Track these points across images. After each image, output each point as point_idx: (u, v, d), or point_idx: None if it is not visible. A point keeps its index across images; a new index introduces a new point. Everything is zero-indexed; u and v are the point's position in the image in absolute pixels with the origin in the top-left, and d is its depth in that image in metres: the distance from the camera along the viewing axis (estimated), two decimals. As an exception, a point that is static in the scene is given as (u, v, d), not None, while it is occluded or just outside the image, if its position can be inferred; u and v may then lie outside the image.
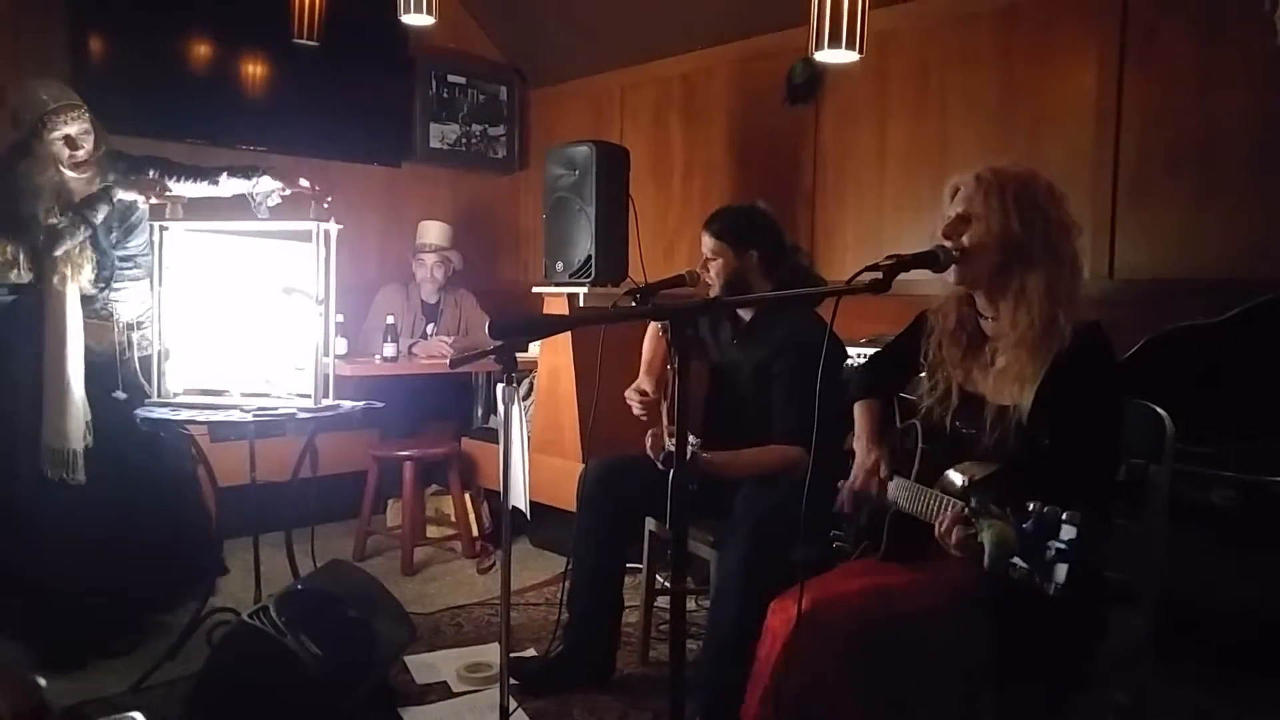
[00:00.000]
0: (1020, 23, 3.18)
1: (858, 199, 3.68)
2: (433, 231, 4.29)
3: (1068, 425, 1.59)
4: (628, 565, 2.64)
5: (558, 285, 3.49)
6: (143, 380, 2.75)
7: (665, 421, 2.48)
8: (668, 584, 2.88)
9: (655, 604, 2.81)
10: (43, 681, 1.43)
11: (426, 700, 2.50)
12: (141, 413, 2.57)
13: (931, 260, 1.66)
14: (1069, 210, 1.69)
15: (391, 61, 4.53)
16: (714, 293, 2.55)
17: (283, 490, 2.73)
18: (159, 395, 2.68)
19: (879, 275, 1.50)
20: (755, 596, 2.02)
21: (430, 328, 4.22)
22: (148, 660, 2.60)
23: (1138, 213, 2.93)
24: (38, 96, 2.58)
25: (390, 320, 3.94)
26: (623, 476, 2.54)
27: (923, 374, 1.88)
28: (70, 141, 2.59)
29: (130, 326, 2.78)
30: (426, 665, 2.70)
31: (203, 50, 3.95)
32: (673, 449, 1.71)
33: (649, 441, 2.40)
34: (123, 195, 2.68)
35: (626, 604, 2.65)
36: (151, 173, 2.81)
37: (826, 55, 2.63)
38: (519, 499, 2.01)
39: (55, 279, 2.62)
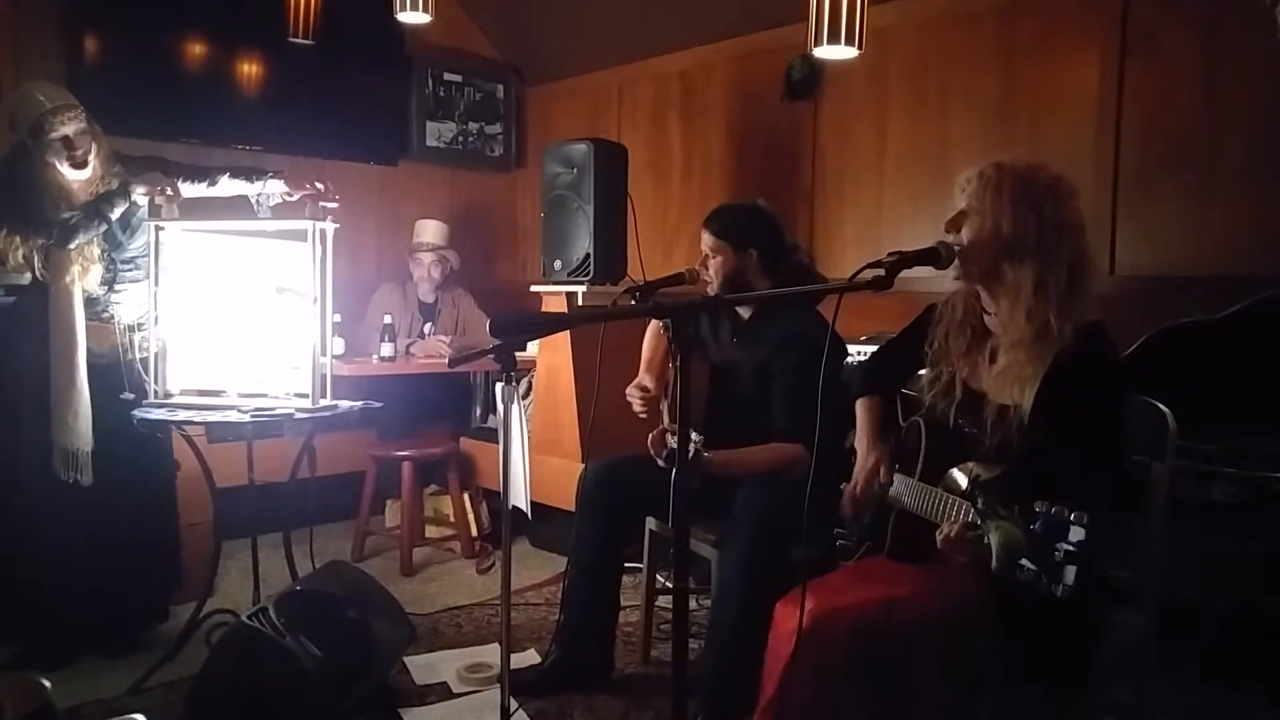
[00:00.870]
0: (1020, 19, 3.17)
1: (856, 196, 3.67)
2: (430, 230, 4.28)
3: (1069, 428, 1.58)
4: (628, 565, 2.63)
5: (556, 284, 3.48)
6: (144, 382, 2.74)
7: (666, 420, 2.47)
8: (669, 583, 2.88)
9: (656, 603, 2.80)
10: (47, 683, 1.44)
11: (426, 701, 2.49)
12: (139, 413, 2.56)
13: (934, 257, 1.65)
14: (1073, 208, 1.67)
15: (387, 59, 4.51)
16: (713, 290, 2.54)
17: (281, 491, 2.73)
18: (155, 395, 2.67)
19: (881, 272, 1.49)
20: (757, 595, 2.02)
21: (428, 327, 4.21)
22: (147, 662, 2.60)
23: (1138, 209, 2.93)
24: (34, 98, 2.57)
25: (388, 320, 3.93)
26: (622, 477, 2.53)
27: (923, 370, 1.87)
28: (68, 142, 2.59)
29: (131, 328, 2.77)
30: (426, 666, 2.69)
31: (198, 50, 3.93)
32: (674, 447, 1.71)
33: (651, 440, 2.39)
34: (139, 193, 2.66)
35: (627, 603, 2.65)
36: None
37: (825, 52, 2.62)
38: (519, 498, 2.00)
39: (66, 278, 2.61)
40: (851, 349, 2.80)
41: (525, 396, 3.78)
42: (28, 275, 2.66)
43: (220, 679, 2.18)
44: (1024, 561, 1.35)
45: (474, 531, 3.89)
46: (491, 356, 1.89)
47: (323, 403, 2.64)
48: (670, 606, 1.73)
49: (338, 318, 3.02)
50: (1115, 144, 2.95)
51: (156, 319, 2.68)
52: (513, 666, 2.17)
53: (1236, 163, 2.73)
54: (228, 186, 2.90)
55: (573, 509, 2.62)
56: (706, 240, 2.55)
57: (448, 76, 4.78)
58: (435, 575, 3.63)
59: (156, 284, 2.67)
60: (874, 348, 2.45)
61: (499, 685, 2.08)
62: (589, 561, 2.54)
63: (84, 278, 2.65)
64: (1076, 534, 1.30)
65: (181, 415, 2.56)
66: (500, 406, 1.95)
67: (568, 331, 3.42)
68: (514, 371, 1.94)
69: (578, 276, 3.38)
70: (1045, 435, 1.60)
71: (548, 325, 2.49)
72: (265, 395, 2.67)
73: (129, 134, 3.15)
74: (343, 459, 3.69)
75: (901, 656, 1.57)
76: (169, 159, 2.92)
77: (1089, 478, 1.52)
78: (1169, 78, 2.85)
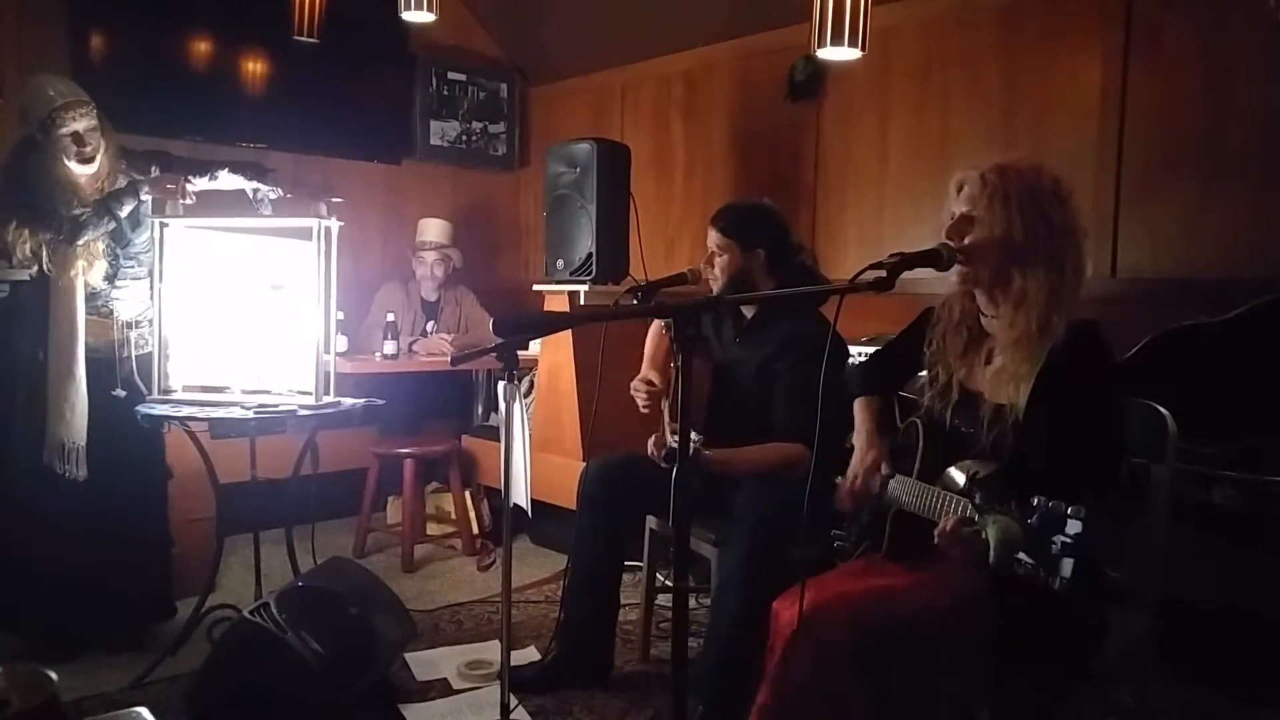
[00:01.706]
0: (1023, 19, 3.17)
1: (859, 196, 3.67)
2: (433, 229, 4.28)
3: (1063, 421, 1.58)
4: (628, 563, 2.64)
5: (558, 283, 3.48)
6: (139, 379, 2.75)
7: (667, 419, 2.48)
8: (669, 582, 2.89)
9: (656, 602, 2.81)
10: (54, 675, 1.45)
11: (427, 697, 2.50)
12: (143, 409, 2.57)
13: (935, 259, 1.65)
14: (1075, 211, 1.68)
15: (392, 58, 4.51)
16: (717, 289, 2.54)
17: (283, 487, 2.73)
18: (158, 392, 2.68)
19: (883, 273, 1.49)
20: (756, 594, 2.02)
21: (430, 325, 4.21)
22: (149, 657, 2.60)
23: (1141, 211, 2.92)
24: (46, 92, 2.57)
25: (390, 318, 3.93)
26: (623, 476, 2.53)
27: (923, 372, 1.88)
28: (78, 138, 2.59)
29: (129, 325, 2.77)
30: (427, 662, 2.70)
31: (203, 47, 3.94)
32: (674, 446, 1.71)
33: (650, 442, 2.39)
34: (147, 193, 2.67)
35: (627, 602, 2.65)
36: (154, 170, 2.81)
37: (828, 52, 2.62)
38: (520, 496, 2.01)
39: (71, 272, 2.61)
40: (853, 350, 2.80)
41: (527, 395, 3.79)
42: (31, 269, 2.65)
43: (222, 674, 2.18)
44: (1021, 555, 1.35)
45: (475, 529, 3.90)
46: (494, 355, 1.89)
47: (325, 400, 2.65)
48: (670, 605, 1.73)
49: (341, 315, 3.02)
50: (1118, 145, 2.95)
51: (159, 315, 2.68)
52: (513, 663, 2.18)
53: (1239, 165, 2.73)
54: (228, 180, 2.90)
55: (573, 507, 2.63)
56: (713, 238, 2.54)
57: (452, 76, 4.79)
58: (436, 572, 3.64)
59: (160, 280, 2.67)
60: (874, 348, 2.45)
61: (499, 682, 2.09)
62: (589, 559, 2.54)
63: (89, 272, 2.65)
64: (1073, 527, 1.31)
65: (185, 411, 2.57)
66: (502, 405, 1.96)
67: (570, 331, 3.42)
68: (516, 370, 1.95)
69: (580, 276, 3.38)
70: (1040, 429, 1.60)
71: (550, 324, 2.50)
72: (268, 392, 2.68)
73: (134, 131, 3.16)
74: (345, 456, 3.69)
75: (900, 648, 1.57)
76: (172, 154, 2.93)
77: (1084, 470, 1.53)
78: (1172, 78, 2.85)
